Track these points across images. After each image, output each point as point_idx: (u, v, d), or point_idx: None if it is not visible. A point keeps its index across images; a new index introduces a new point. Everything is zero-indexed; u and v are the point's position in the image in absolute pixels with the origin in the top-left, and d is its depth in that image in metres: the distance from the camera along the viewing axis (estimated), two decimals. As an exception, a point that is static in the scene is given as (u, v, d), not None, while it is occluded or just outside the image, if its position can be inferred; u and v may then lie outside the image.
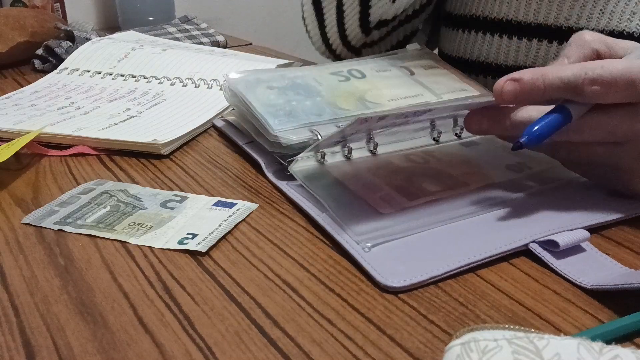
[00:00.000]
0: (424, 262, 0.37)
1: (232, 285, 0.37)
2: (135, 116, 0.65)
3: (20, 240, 0.43)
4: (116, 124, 0.62)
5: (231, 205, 0.46)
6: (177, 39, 0.98)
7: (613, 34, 0.50)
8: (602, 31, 0.51)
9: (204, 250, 0.40)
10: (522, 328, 0.27)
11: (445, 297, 0.35)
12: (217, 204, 0.46)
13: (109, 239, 0.42)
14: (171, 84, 0.74)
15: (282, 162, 0.50)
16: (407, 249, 0.39)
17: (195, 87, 0.73)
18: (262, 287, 0.37)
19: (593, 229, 0.40)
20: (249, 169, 0.53)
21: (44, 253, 0.41)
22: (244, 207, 0.46)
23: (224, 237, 0.42)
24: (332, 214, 0.42)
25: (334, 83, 0.54)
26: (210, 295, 0.36)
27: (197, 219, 0.44)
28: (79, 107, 0.68)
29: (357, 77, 0.56)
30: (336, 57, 0.73)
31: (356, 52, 0.72)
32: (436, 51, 0.71)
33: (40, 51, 0.92)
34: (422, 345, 0.31)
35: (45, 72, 0.87)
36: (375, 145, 0.50)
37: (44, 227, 0.44)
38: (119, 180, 0.51)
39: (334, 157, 0.49)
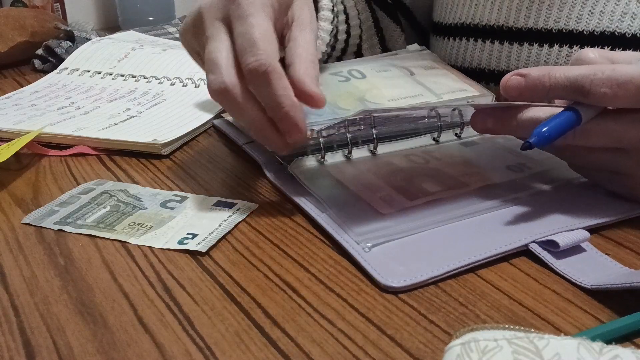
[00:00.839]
0: (424, 262, 0.37)
1: (232, 285, 0.37)
2: (135, 116, 0.65)
3: (20, 240, 0.43)
4: (116, 124, 0.62)
5: (231, 205, 0.46)
6: (177, 39, 0.98)
7: (604, 34, 0.50)
8: (592, 32, 0.51)
9: (204, 250, 0.40)
10: (522, 328, 0.27)
11: (445, 297, 0.35)
12: (217, 204, 0.46)
13: (109, 239, 0.42)
14: (171, 84, 0.74)
15: (281, 162, 0.50)
16: (407, 249, 0.39)
17: (196, 87, 0.73)
18: (262, 287, 0.37)
19: (593, 229, 0.40)
20: (249, 169, 0.53)
21: (44, 253, 0.41)
22: (244, 207, 0.46)
23: (224, 237, 0.42)
24: (332, 214, 0.42)
25: (334, 83, 0.54)
26: (210, 295, 0.36)
27: (197, 219, 0.44)
28: (79, 107, 0.68)
29: (357, 78, 0.56)
30: None
31: None
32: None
33: (40, 51, 0.92)
34: (422, 345, 0.31)
35: (45, 72, 0.87)
36: (376, 145, 0.50)
37: (44, 227, 0.44)
38: (119, 180, 0.51)
39: (334, 157, 0.49)
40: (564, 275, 0.36)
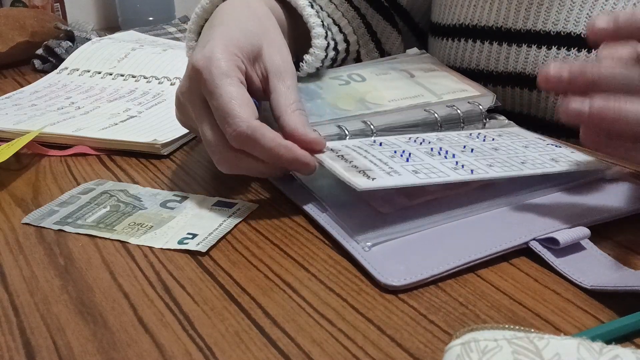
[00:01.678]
0: (424, 261, 0.37)
1: (232, 285, 0.37)
2: (135, 116, 0.65)
3: (20, 240, 0.43)
4: (116, 124, 0.62)
5: (231, 205, 0.46)
6: (177, 39, 0.98)
7: None
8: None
9: (204, 250, 0.40)
10: (522, 328, 0.27)
11: (445, 297, 0.35)
12: (217, 204, 0.46)
13: (109, 239, 0.42)
14: (171, 84, 0.74)
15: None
16: (407, 248, 0.39)
17: (195, 87, 0.73)
18: (262, 287, 0.37)
19: (593, 228, 0.40)
20: (249, 169, 0.53)
21: (44, 253, 0.41)
22: (244, 207, 0.46)
23: (224, 237, 0.42)
24: (332, 214, 0.42)
25: (334, 86, 0.55)
26: (210, 295, 0.36)
27: (197, 219, 0.44)
28: (79, 107, 0.68)
29: (357, 81, 0.56)
30: None
31: None
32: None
33: (40, 51, 0.92)
34: (422, 345, 0.31)
35: (45, 72, 0.87)
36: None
37: (44, 227, 0.44)
38: (119, 180, 0.51)
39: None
40: (564, 274, 0.36)
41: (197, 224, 0.43)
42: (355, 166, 0.41)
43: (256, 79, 0.46)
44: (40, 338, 0.33)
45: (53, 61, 0.89)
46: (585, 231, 0.38)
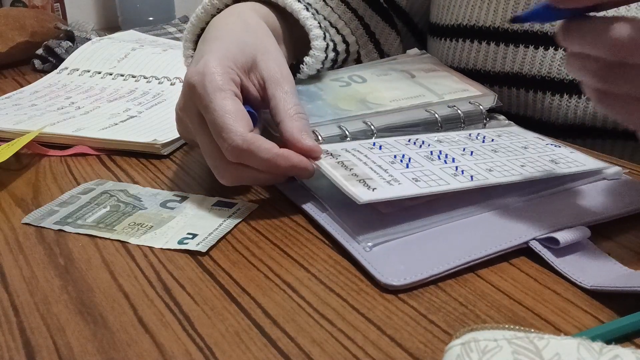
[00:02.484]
0: (424, 261, 0.37)
1: (232, 285, 0.37)
2: (135, 116, 0.65)
3: (20, 240, 0.43)
4: (116, 124, 0.62)
5: (231, 205, 0.46)
6: (177, 39, 0.98)
7: None
8: None
9: (204, 250, 0.40)
10: (522, 328, 0.27)
11: (445, 297, 0.35)
12: (217, 204, 0.46)
13: (109, 239, 0.42)
14: (171, 84, 0.74)
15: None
16: (407, 248, 0.39)
17: (195, 87, 0.73)
18: (262, 287, 0.37)
19: (593, 228, 0.40)
20: (249, 169, 0.53)
21: (44, 253, 0.41)
22: (244, 207, 0.46)
23: (224, 237, 0.42)
24: (332, 213, 0.42)
25: (335, 88, 0.55)
26: (210, 295, 0.36)
27: (197, 219, 0.44)
28: (79, 107, 0.68)
29: (357, 82, 0.56)
30: None
31: None
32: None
33: (40, 51, 0.92)
34: (422, 345, 0.31)
35: (45, 72, 0.87)
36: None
37: (44, 227, 0.44)
38: (119, 180, 0.51)
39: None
40: (564, 274, 0.36)
41: (197, 224, 0.43)
42: (355, 174, 0.42)
43: (253, 89, 0.46)
44: (40, 338, 0.33)
45: (53, 61, 0.89)
46: (586, 231, 0.38)
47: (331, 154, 0.45)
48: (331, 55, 0.56)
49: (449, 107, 0.53)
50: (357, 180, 0.41)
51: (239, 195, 0.48)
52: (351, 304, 0.35)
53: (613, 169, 0.46)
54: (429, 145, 0.47)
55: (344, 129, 0.49)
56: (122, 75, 0.78)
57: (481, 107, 0.54)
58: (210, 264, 0.39)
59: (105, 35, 0.93)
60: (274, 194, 0.48)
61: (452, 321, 0.33)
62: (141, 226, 0.43)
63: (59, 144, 0.59)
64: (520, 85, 0.58)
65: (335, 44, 0.58)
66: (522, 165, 0.44)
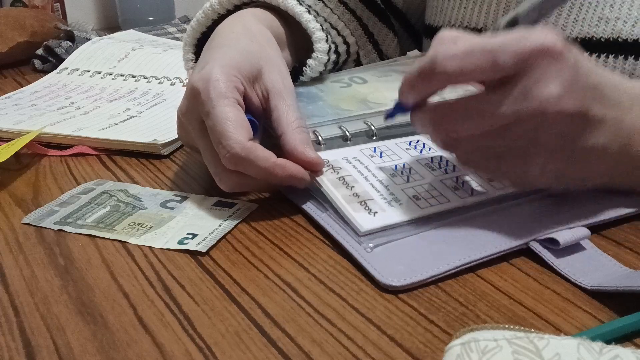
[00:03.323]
0: (424, 262, 0.37)
1: (232, 285, 0.37)
2: (135, 116, 0.65)
3: (20, 240, 0.43)
4: (116, 124, 0.62)
5: (231, 205, 0.46)
6: (177, 39, 0.98)
7: (584, 40, 0.51)
8: (575, 39, 0.51)
9: (204, 250, 0.40)
10: (522, 328, 0.27)
11: (445, 297, 0.35)
12: (217, 204, 0.46)
13: (109, 239, 0.42)
14: (171, 84, 0.74)
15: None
16: (407, 249, 0.39)
17: (195, 87, 0.73)
18: (262, 287, 0.37)
19: (593, 228, 0.40)
20: (249, 169, 0.53)
21: (44, 253, 0.41)
22: (244, 207, 0.46)
23: (224, 237, 0.42)
24: (332, 214, 0.42)
25: (336, 89, 0.55)
26: (210, 295, 0.36)
27: (197, 219, 0.44)
28: (79, 107, 0.68)
29: (358, 83, 0.56)
30: None
31: None
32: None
33: (40, 51, 0.92)
34: (422, 345, 0.31)
35: (45, 72, 0.87)
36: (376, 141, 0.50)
37: (44, 227, 0.44)
38: (119, 180, 0.51)
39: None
40: (564, 274, 0.36)
41: (197, 224, 0.43)
42: (356, 194, 0.42)
43: (256, 99, 0.46)
44: (40, 338, 0.33)
45: (53, 61, 0.89)
46: (586, 231, 0.38)
47: (332, 167, 0.45)
48: (333, 57, 0.57)
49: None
50: (358, 202, 0.41)
51: (239, 195, 0.48)
52: (351, 304, 0.35)
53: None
54: (429, 149, 0.47)
55: (345, 129, 0.49)
56: (122, 75, 0.78)
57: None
58: (210, 264, 0.39)
59: (105, 35, 0.93)
60: (274, 194, 0.48)
61: (452, 321, 0.33)
62: (141, 226, 0.43)
63: (59, 144, 0.59)
64: None
65: (336, 46, 0.59)
66: None
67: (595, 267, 0.37)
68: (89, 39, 0.90)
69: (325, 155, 0.45)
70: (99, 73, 0.79)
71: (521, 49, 0.35)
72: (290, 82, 0.47)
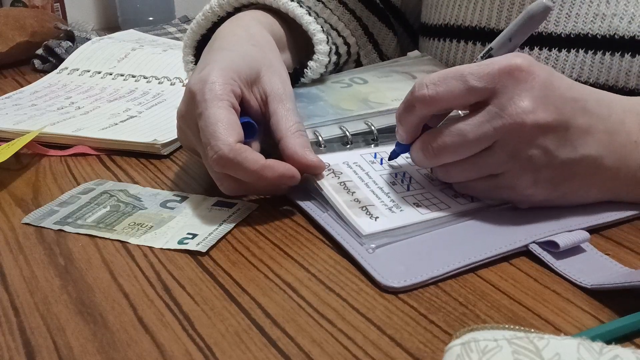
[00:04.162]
0: (424, 263, 0.37)
1: (232, 285, 0.37)
2: (135, 116, 0.65)
3: (20, 240, 0.43)
4: (116, 124, 0.62)
5: (231, 205, 0.46)
6: (177, 39, 0.98)
7: (579, 37, 0.51)
8: (569, 35, 0.51)
9: (204, 250, 0.40)
10: (522, 328, 0.27)
11: (445, 297, 0.35)
12: (217, 204, 0.46)
13: (109, 239, 0.42)
14: (171, 84, 0.74)
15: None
16: (407, 250, 0.39)
17: (195, 87, 0.73)
18: (262, 287, 0.37)
19: (593, 230, 0.40)
20: (249, 169, 0.53)
21: (44, 253, 0.41)
22: (244, 207, 0.46)
23: (224, 237, 0.42)
24: (332, 214, 0.42)
25: (336, 89, 0.55)
26: (210, 295, 0.36)
27: (197, 218, 0.44)
28: (79, 107, 0.68)
29: (359, 83, 0.56)
30: None
31: None
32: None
33: (40, 51, 0.92)
34: (422, 345, 0.31)
35: (45, 72, 0.87)
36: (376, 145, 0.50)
37: (44, 227, 0.44)
38: (119, 180, 0.51)
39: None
40: (564, 275, 0.36)
41: (197, 224, 0.43)
42: (357, 200, 0.42)
43: (255, 102, 0.46)
44: (40, 338, 0.33)
45: (53, 61, 0.89)
46: (585, 235, 0.38)
47: (333, 171, 0.45)
48: (334, 58, 0.57)
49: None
50: (360, 207, 0.41)
51: (239, 195, 0.48)
52: (351, 304, 0.35)
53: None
54: None
55: (345, 129, 0.49)
56: (122, 75, 0.78)
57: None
58: (210, 264, 0.39)
59: (105, 35, 0.93)
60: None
61: (452, 321, 0.33)
62: (141, 226, 0.43)
63: (59, 144, 0.59)
64: None
65: (337, 47, 0.59)
66: None
67: (595, 268, 0.37)
68: (89, 39, 0.90)
69: (325, 158, 0.45)
70: (99, 73, 0.79)
71: (490, 70, 0.38)
72: (290, 86, 0.47)
